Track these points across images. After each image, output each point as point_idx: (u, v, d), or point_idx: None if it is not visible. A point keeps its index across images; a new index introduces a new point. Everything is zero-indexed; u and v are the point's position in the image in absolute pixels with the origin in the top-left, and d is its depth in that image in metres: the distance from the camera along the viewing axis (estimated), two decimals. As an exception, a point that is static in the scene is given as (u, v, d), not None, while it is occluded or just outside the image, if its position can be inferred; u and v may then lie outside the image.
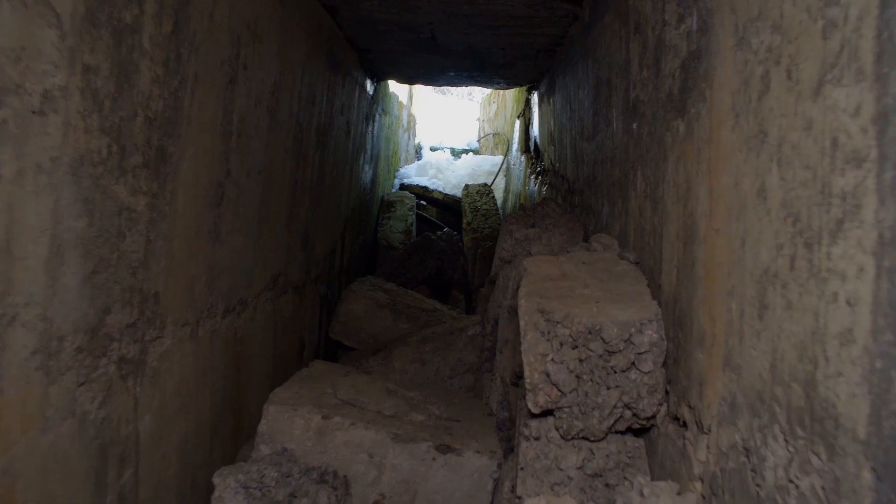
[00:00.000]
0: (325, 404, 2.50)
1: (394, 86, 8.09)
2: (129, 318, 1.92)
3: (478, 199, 7.59)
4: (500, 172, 8.70)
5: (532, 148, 6.28)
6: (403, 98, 9.52)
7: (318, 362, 3.13)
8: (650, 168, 2.11)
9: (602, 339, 1.75)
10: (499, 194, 8.37)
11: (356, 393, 2.71)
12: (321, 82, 4.05)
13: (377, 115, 6.71)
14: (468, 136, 14.97)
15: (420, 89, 13.56)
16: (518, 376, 2.62)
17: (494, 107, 11.51)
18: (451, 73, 5.66)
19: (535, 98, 6.05)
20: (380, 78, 6.27)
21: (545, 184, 5.30)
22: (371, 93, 6.14)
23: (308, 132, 3.88)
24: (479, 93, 25.63)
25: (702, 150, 1.58)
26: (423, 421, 2.63)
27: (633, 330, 1.74)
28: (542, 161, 5.78)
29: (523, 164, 6.89)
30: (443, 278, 6.63)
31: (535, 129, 6.03)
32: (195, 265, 2.40)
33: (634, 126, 2.34)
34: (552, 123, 4.97)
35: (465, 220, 7.45)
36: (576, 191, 3.84)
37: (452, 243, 7.52)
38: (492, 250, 6.22)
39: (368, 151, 6.38)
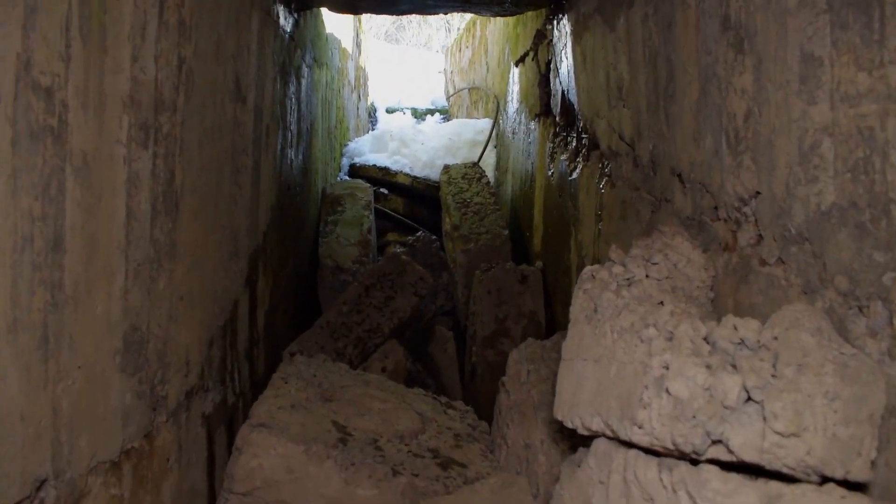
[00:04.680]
0: None
1: (330, 23, 5.72)
2: None
3: (465, 186, 5.32)
4: (490, 143, 6.43)
5: (558, 110, 4.02)
6: (348, 45, 7.15)
7: None
8: None
9: None
10: (489, 173, 6.12)
11: None
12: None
13: (304, 68, 4.38)
14: (432, 92, 12.62)
15: (367, 36, 11.18)
16: None
17: (468, 53, 9.18)
18: (424, -13, 3.36)
19: (563, 27, 3.77)
20: (302, 3, 3.93)
21: (602, 175, 3.06)
22: (289, 29, 3.81)
23: (93, 106, 1.60)
24: (437, 41, 23.07)
25: None
26: None
27: None
28: (580, 131, 3.54)
29: (536, 134, 4.64)
30: (421, 319, 4.40)
31: (566, 80, 3.77)
32: None
33: None
34: (623, 66, 2.72)
35: (448, 221, 5.19)
36: (771, 229, 1.65)
37: (432, 255, 5.28)
38: (502, 283, 4.02)
39: (292, 126, 4.07)
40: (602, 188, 3.05)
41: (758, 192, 1.68)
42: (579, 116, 3.56)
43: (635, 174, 2.62)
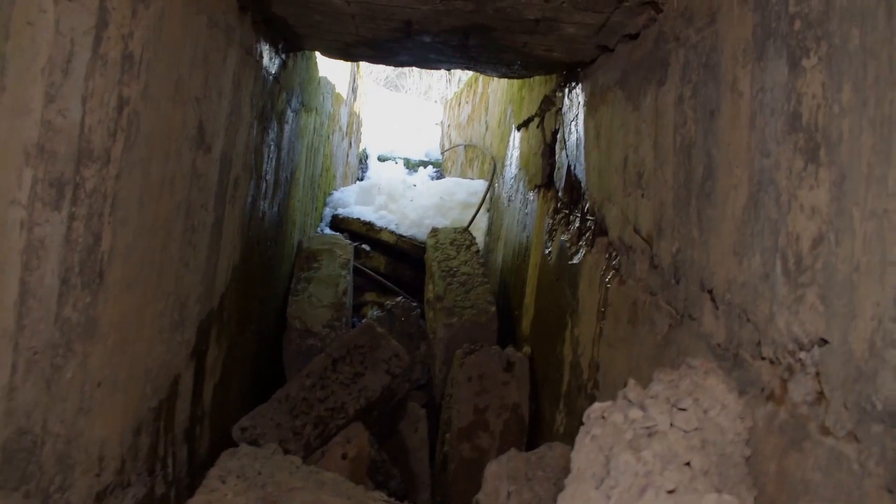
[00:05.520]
0: None
1: (324, 65, 5.42)
2: None
3: (452, 252, 4.96)
4: (483, 207, 6.10)
5: (561, 184, 3.69)
6: (343, 89, 6.86)
7: None
8: None
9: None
10: (479, 238, 5.77)
11: None
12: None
13: (288, 113, 4.04)
14: (427, 144, 12.37)
15: (363, 79, 10.98)
16: None
17: (467, 108, 8.92)
18: (426, 39, 3.03)
19: (575, 97, 3.46)
20: (291, 45, 3.61)
21: (610, 268, 2.72)
22: (274, 71, 3.48)
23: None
24: (438, 91, 22.91)
25: None
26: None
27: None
28: (586, 212, 3.20)
29: (535, 206, 4.30)
30: (391, 400, 3.99)
31: (574, 154, 3.45)
32: None
33: None
34: (646, 151, 2.40)
35: (431, 289, 4.82)
36: None
37: (411, 323, 4.90)
38: (485, 368, 3.66)
39: (268, 175, 3.72)
40: (608, 282, 2.70)
41: (824, 341, 1.32)
42: (586, 196, 3.22)
43: (652, 277, 2.27)
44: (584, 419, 1.53)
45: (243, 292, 3.51)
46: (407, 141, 12.22)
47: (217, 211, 2.82)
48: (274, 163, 3.81)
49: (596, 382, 2.71)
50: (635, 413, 1.46)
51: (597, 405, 1.53)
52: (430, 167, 10.26)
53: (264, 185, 3.64)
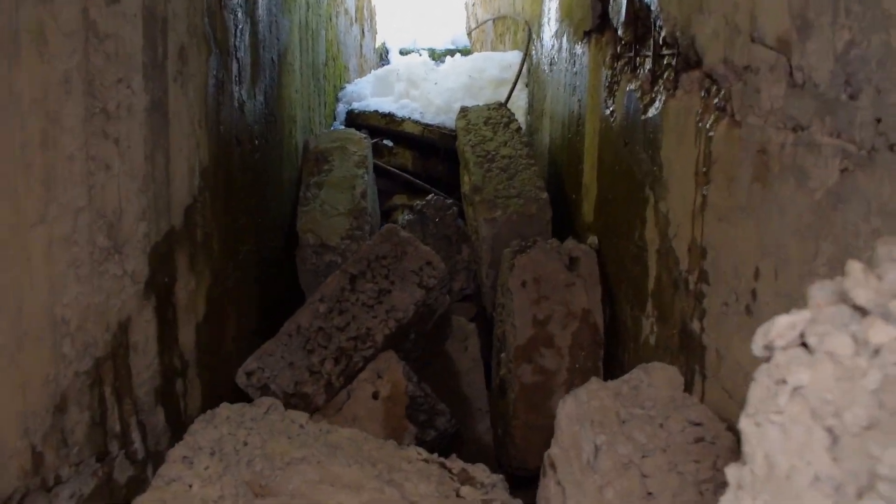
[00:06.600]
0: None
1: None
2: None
3: (488, 133, 4.14)
4: (520, 81, 5.21)
5: (620, 19, 2.82)
6: (344, -36, 5.93)
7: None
8: None
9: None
10: (519, 118, 4.93)
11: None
12: None
13: (260, -27, 3.21)
14: (453, 31, 11.33)
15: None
16: None
17: (492, -23, 7.89)
18: None
19: None
20: None
21: (710, 110, 1.90)
22: None
23: None
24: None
25: None
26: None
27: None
28: (660, 44, 2.35)
29: (585, 60, 3.44)
30: (429, 319, 3.28)
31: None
32: None
33: None
34: None
35: (467, 180, 4.03)
36: None
37: (447, 224, 4.16)
38: (542, 269, 2.92)
39: (241, 54, 2.92)
40: (711, 130, 1.88)
41: None
42: (659, 22, 2.36)
43: (795, 101, 1.45)
44: (760, 352, 0.77)
45: (225, 204, 2.78)
46: (430, 31, 11.23)
47: (152, 91, 2.05)
48: (247, 37, 3.00)
49: (703, 274, 1.93)
50: (881, 331, 0.70)
51: (783, 320, 0.76)
52: (457, 55, 9.31)
53: (236, 64, 2.85)
